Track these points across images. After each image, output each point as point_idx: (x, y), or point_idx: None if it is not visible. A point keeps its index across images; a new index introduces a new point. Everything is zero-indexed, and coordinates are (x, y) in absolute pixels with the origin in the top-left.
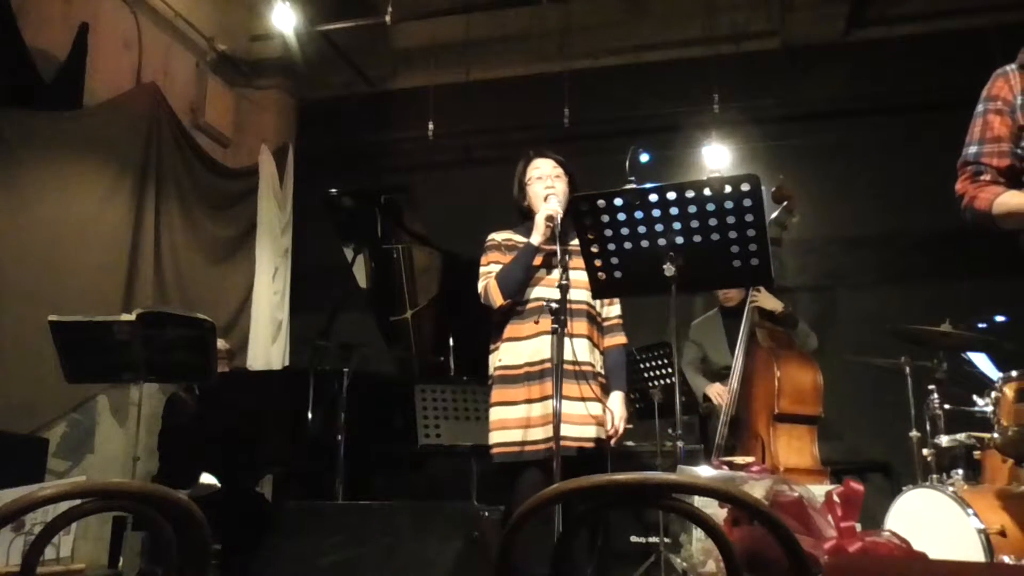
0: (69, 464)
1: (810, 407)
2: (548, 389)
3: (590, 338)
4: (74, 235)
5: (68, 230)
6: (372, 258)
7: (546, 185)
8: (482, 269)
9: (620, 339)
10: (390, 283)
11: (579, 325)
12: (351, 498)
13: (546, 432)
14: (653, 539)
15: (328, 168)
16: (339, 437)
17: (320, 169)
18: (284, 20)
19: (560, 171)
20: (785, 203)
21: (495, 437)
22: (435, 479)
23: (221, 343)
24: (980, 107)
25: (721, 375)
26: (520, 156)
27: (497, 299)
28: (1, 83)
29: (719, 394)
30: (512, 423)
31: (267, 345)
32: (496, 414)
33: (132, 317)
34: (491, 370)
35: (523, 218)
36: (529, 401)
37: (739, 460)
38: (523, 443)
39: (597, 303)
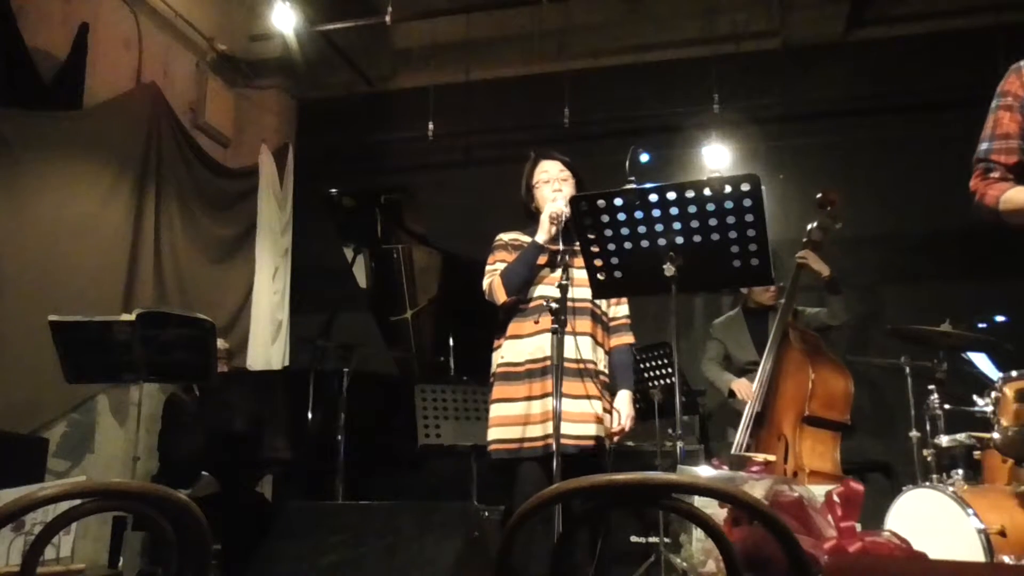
0: (69, 464)
1: (839, 413)
2: (549, 386)
3: (593, 336)
4: (74, 235)
5: (68, 230)
6: (372, 258)
7: (553, 188)
8: (488, 267)
9: (627, 339)
10: (390, 283)
11: (582, 323)
12: (351, 498)
13: (544, 429)
14: (653, 539)
15: (328, 168)
16: (339, 437)
17: (320, 169)
18: (284, 20)
19: (567, 173)
20: (829, 207)
21: (493, 433)
22: (435, 479)
23: (221, 343)
24: (993, 103)
25: (745, 371)
26: (521, 156)
27: (501, 296)
28: (1, 83)
29: (745, 390)
30: (511, 420)
31: (267, 345)
32: (496, 410)
33: (132, 317)
34: (493, 367)
35: (531, 219)
36: (530, 398)
37: (758, 457)
38: (521, 440)
39: (604, 302)
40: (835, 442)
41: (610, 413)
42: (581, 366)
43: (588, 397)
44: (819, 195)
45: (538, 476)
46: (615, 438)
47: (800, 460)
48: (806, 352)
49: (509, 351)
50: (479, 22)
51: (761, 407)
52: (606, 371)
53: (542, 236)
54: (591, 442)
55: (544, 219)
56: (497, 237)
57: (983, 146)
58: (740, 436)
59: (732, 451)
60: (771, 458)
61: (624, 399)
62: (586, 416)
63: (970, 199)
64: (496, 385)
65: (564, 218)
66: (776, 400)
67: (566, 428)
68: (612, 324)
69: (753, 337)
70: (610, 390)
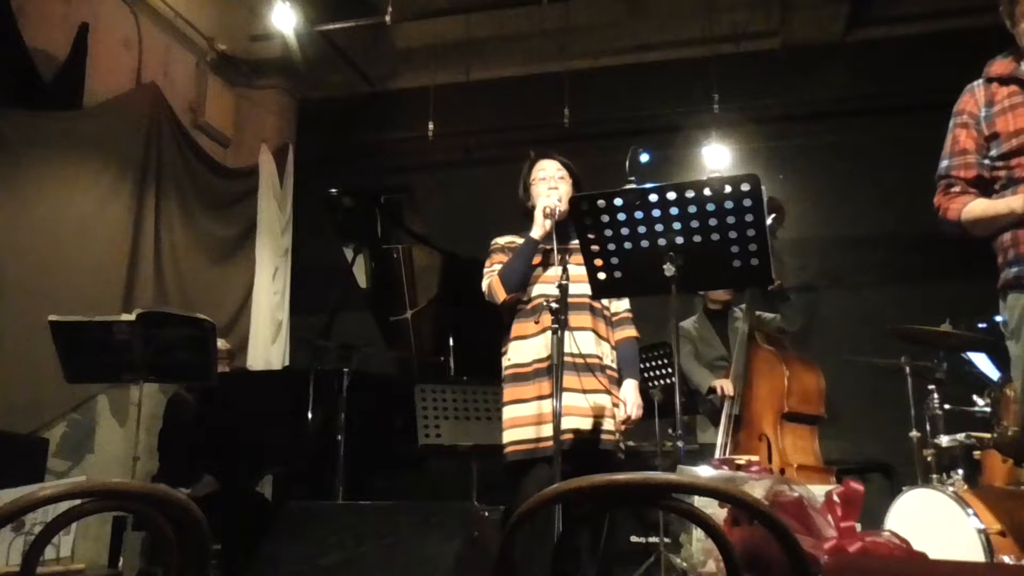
0: (69, 464)
1: (814, 407)
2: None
3: (595, 331)
4: (74, 235)
5: (68, 230)
6: (372, 258)
7: (549, 186)
8: (486, 270)
9: (630, 332)
10: (390, 283)
11: (581, 318)
12: (351, 498)
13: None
14: (653, 539)
15: (328, 168)
16: (339, 437)
17: (320, 169)
18: (284, 20)
19: (564, 172)
20: (775, 215)
21: (509, 436)
22: (435, 479)
23: (221, 343)
24: (951, 122)
25: (715, 367)
26: (520, 156)
27: (500, 294)
28: (1, 83)
29: (728, 390)
30: (524, 420)
31: (267, 345)
32: (509, 412)
33: (132, 317)
34: (503, 371)
35: (528, 219)
36: (540, 398)
37: (741, 459)
38: (537, 440)
39: None
40: (813, 435)
41: (618, 406)
42: (582, 361)
43: (590, 392)
44: (767, 199)
45: (547, 476)
46: (623, 427)
47: (785, 457)
48: (775, 351)
49: (515, 352)
50: (479, 22)
51: (738, 410)
52: (613, 365)
53: (537, 232)
54: (611, 436)
55: (537, 214)
56: (493, 241)
57: (943, 163)
58: (722, 438)
59: (716, 454)
60: (754, 459)
61: (630, 388)
62: (590, 411)
63: None
64: (507, 387)
65: (558, 213)
66: (752, 401)
67: (574, 423)
68: (614, 319)
69: (719, 334)
70: (616, 384)
